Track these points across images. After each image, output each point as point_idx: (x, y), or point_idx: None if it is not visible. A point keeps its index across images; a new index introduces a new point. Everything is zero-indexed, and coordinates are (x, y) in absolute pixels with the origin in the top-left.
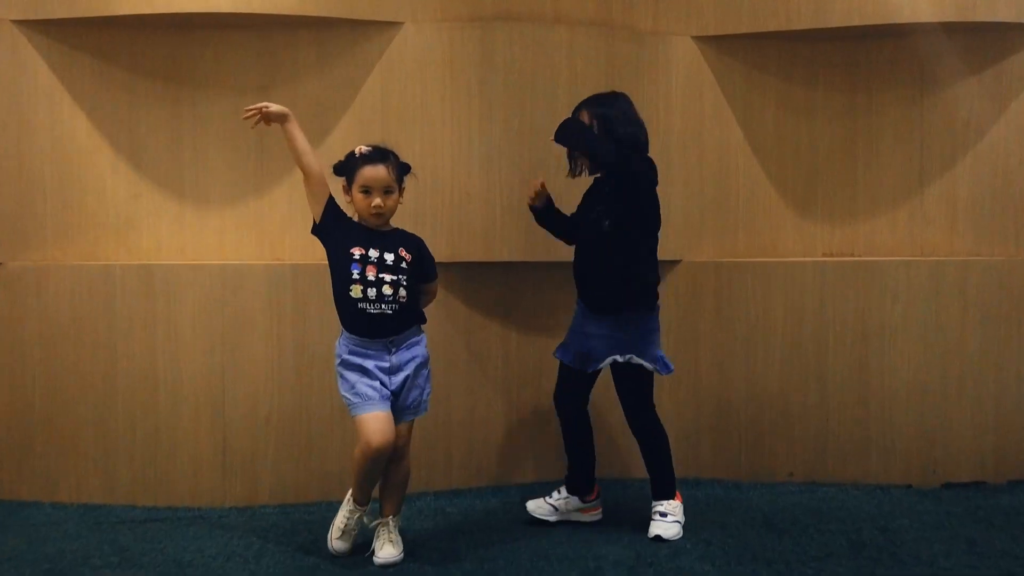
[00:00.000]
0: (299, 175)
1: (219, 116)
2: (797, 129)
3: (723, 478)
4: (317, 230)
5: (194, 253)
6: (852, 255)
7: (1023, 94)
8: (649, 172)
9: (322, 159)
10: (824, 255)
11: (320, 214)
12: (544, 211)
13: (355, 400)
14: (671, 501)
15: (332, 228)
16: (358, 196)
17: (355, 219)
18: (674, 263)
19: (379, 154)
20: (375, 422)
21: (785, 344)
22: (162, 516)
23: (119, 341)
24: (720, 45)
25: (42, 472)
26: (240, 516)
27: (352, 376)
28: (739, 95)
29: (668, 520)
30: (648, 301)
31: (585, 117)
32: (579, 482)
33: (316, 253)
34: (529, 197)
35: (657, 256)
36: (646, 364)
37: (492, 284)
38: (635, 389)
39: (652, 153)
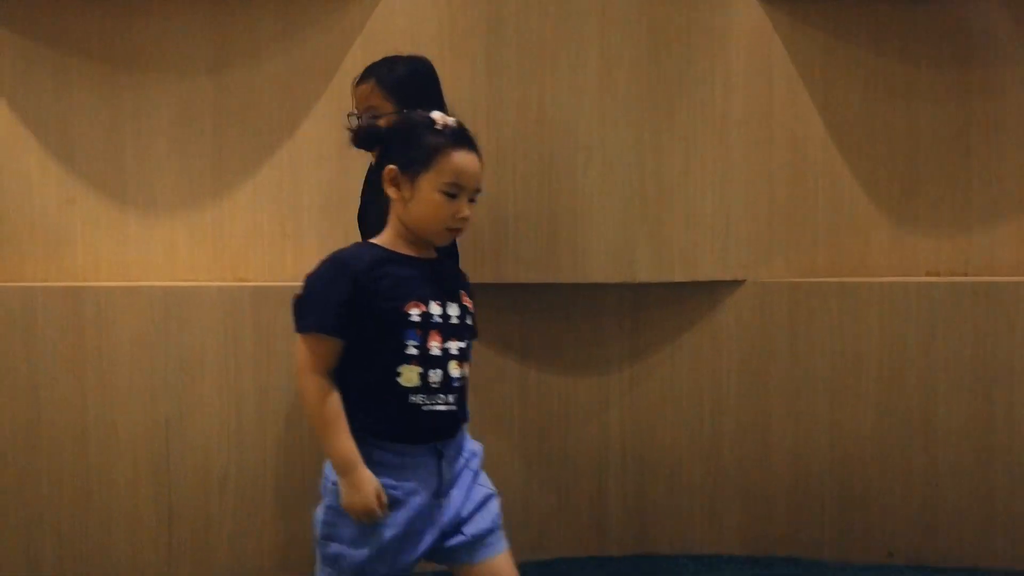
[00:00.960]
0: (265, 173)
1: (167, 103)
2: (893, 115)
3: (801, 557)
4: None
5: (140, 272)
6: (964, 274)
7: None
8: None
9: (293, 156)
10: (928, 274)
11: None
12: None
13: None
14: None
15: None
16: (435, 198)
17: (376, 238)
18: (736, 284)
19: (469, 135)
20: None
21: (881, 387)
22: None
23: (42, 383)
24: (794, 9)
25: None
26: None
27: (366, 533)
28: (818, 72)
29: None
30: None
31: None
32: None
33: (287, 271)
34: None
35: None
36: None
37: (505, 311)
38: None
39: (708, 144)
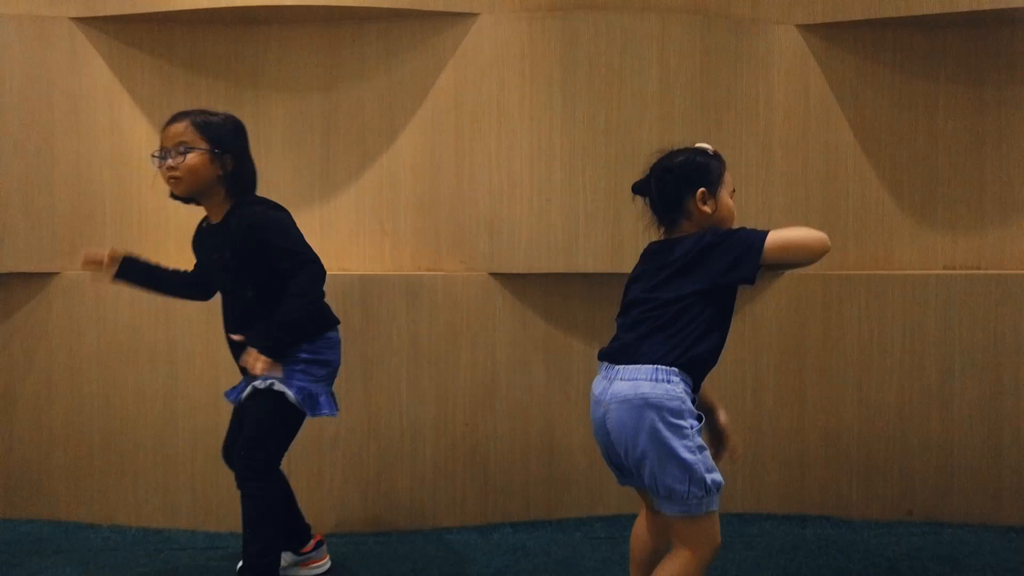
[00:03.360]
0: (367, 178)
1: (282, 117)
2: (915, 127)
3: (832, 515)
4: None
5: None
6: (978, 268)
7: None
8: (273, 220)
9: (392, 163)
10: (946, 268)
11: None
12: (130, 275)
13: (714, 489)
14: None
15: None
16: (727, 201)
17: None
18: (775, 276)
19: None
20: None
21: (904, 367)
22: (224, 544)
23: (179, 356)
24: (829, 34)
25: (100, 494)
26: None
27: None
28: (849, 90)
29: None
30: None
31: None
32: (287, 535)
33: (385, 263)
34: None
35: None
36: (288, 392)
37: (575, 297)
38: (260, 422)
39: (752, 153)
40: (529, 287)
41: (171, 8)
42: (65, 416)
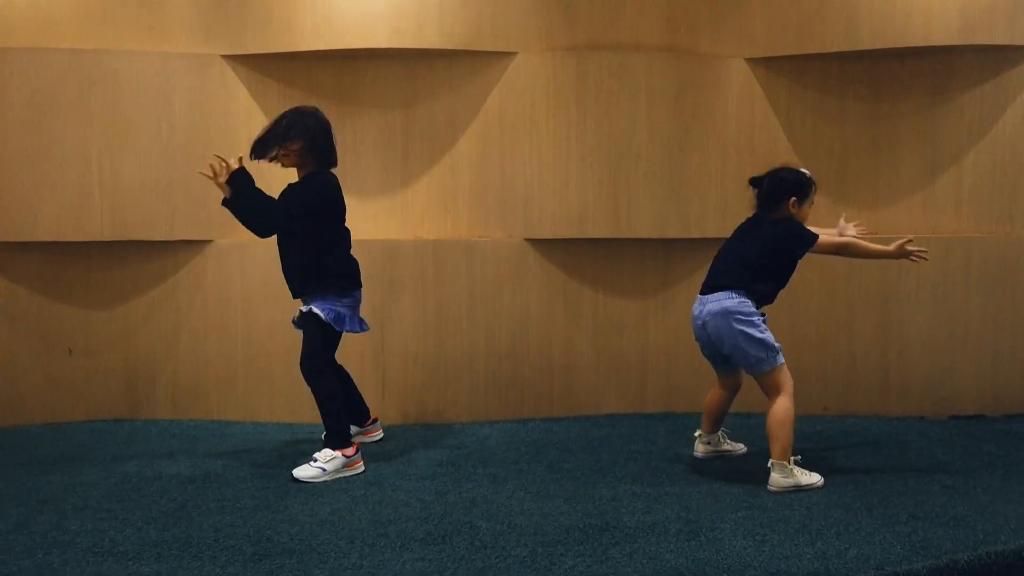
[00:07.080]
0: (436, 171)
1: (373, 127)
2: (831, 133)
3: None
4: None
5: (356, 233)
6: (875, 233)
7: (1017, 100)
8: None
9: (453, 160)
10: None
11: None
12: (236, 182)
13: (777, 349)
14: (327, 451)
15: None
16: (806, 211)
17: None
18: None
19: None
20: None
21: (820, 303)
22: None
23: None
24: (768, 65)
25: (244, 399)
26: (397, 431)
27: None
28: (783, 105)
29: (312, 465)
30: (326, 286)
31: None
32: (352, 414)
33: (448, 233)
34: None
35: (343, 246)
36: (320, 313)
37: (585, 256)
38: (310, 338)
39: (713, 153)
40: (552, 249)
41: (294, 49)
42: (217, 345)
